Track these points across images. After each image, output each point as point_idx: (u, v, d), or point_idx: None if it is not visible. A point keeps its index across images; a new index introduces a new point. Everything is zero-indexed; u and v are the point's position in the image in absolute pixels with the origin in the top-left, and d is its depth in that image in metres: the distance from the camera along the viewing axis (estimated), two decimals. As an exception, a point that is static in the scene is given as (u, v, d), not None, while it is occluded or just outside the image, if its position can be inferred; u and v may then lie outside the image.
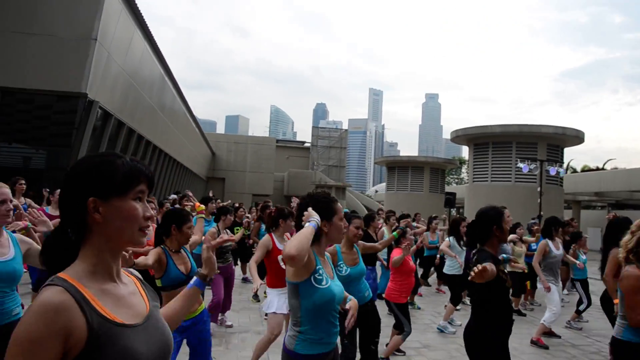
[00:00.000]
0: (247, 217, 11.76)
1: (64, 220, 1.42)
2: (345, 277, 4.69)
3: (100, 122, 13.96)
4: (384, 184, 46.35)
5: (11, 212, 3.33)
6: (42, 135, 13.54)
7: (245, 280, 12.03)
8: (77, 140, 12.66)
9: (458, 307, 8.64)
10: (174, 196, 12.75)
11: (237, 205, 12.95)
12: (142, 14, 14.56)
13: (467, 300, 10.11)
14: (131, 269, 1.62)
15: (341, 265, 4.78)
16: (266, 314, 8.26)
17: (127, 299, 1.43)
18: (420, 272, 11.56)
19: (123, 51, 14.21)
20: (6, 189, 3.35)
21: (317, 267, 2.76)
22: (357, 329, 4.90)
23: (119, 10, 13.06)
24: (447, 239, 9.18)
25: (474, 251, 3.79)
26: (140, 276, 1.63)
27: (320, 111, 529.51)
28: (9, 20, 11.83)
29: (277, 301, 5.46)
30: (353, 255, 4.97)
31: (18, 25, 11.85)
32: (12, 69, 12.04)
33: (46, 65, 12.05)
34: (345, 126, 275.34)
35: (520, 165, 20.27)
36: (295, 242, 2.51)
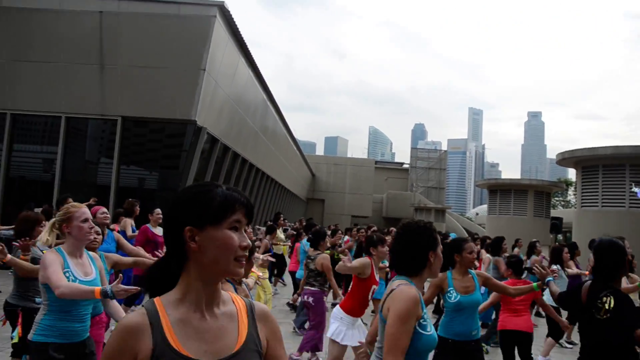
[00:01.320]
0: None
1: (167, 248, 1.47)
2: (454, 305, 4.35)
3: (208, 147, 14.78)
4: (484, 206, 44.97)
5: (93, 231, 3.58)
6: (155, 158, 14.57)
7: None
8: (186, 163, 13.46)
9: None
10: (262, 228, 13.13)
11: (332, 227, 13.11)
12: (246, 43, 15.31)
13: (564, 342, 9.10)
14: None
15: (451, 292, 4.40)
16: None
17: (209, 332, 1.41)
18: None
19: (229, 79, 15.01)
20: (86, 209, 3.55)
21: (424, 312, 2.58)
22: None
23: (225, 40, 13.84)
24: (553, 266, 8.67)
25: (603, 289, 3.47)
26: (261, 307, 1.59)
27: (418, 131, 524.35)
28: (127, 55, 12.92)
29: (349, 332, 5.15)
30: (467, 282, 4.49)
31: (136, 60, 12.91)
32: (131, 100, 13.11)
33: (160, 95, 12.99)
34: (444, 146, 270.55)
35: (635, 189, 18.91)
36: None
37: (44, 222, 4.84)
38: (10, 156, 13.96)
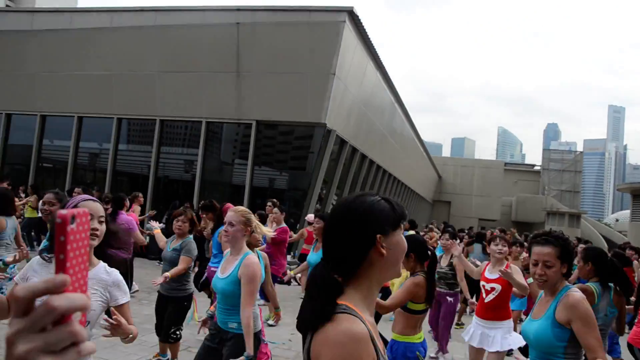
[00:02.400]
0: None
1: (335, 253, 1.50)
2: None
3: (337, 148, 15.10)
4: (626, 212, 41.43)
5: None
6: (286, 160, 15.19)
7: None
8: (316, 165, 13.86)
9: None
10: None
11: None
12: (375, 46, 15.44)
13: None
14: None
15: None
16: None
17: (375, 329, 1.47)
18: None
19: (357, 82, 15.23)
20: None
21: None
22: None
23: (354, 45, 14.07)
24: None
25: None
26: None
27: (551, 132, 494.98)
28: (262, 62, 13.58)
29: (499, 337, 4.96)
30: None
31: (270, 66, 13.54)
32: (265, 105, 13.77)
33: (292, 99, 13.51)
34: (579, 147, 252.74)
35: None
36: None
37: (181, 216, 5.52)
38: (158, 158, 15.24)
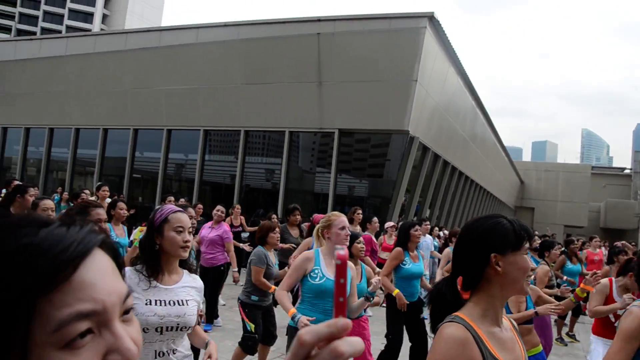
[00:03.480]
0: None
1: (457, 270, 1.68)
2: None
3: (419, 155, 14.95)
4: None
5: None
6: (368, 167, 15.21)
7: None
8: (399, 172, 13.78)
9: None
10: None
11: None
12: (455, 51, 15.21)
13: None
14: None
15: None
16: None
17: (507, 343, 1.60)
18: None
19: (439, 88, 15.04)
20: (343, 217, 3.89)
21: None
22: None
23: (435, 50, 13.92)
24: None
25: None
26: (515, 324, 1.80)
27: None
28: (343, 71, 13.69)
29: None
30: None
31: (351, 75, 13.62)
32: (347, 113, 13.86)
33: (373, 107, 13.52)
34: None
35: None
36: None
37: (277, 228, 5.50)
38: (243, 168, 15.67)
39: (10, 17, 77.31)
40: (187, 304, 2.45)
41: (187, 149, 17.17)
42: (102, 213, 3.64)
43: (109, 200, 8.07)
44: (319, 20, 14.10)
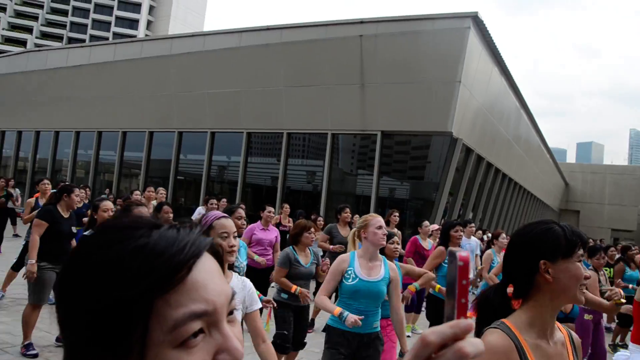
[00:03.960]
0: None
1: (508, 277, 1.64)
2: None
3: (462, 157, 14.79)
4: None
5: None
6: (411, 169, 15.15)
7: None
8: (443, 174, 13.67)
9: None
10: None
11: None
12: (499, 51, 15.00)
13: None
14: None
15: None
16: None
17: (554, 358, 1.53)
18: None
19: (482, 89, 14.86)
20: (380, 218, 3.88)
21: None
22: None
23: (479, 50, 13.76)
24: None
25: None
26: (574, 337, 1.70)
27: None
28: (385, 73, 13.67)
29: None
30: None
31: (394, 77, 13.59)
32: (389, 115, 13.83)
33: (416, 109, 13.46)
34: None
35: None
36: None
37: (312, 228, 5.52)
38: (286, 170, 15.81)
39: (62, 26, 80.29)
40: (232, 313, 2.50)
41: (230, 151, 17.43)
42: (144, 212, 3.75)
43: (154, 203, 8.32)
44: (361, 22, 14.14)
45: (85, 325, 0.59)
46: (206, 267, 0.65)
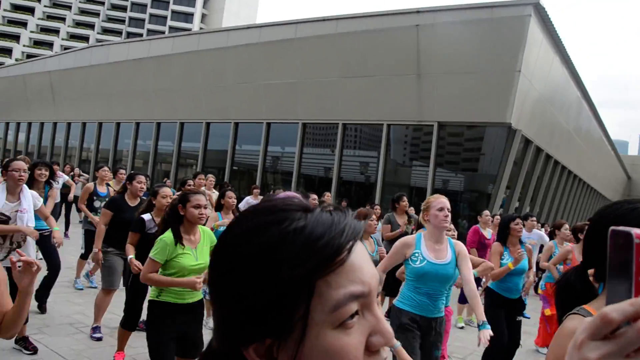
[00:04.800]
0: None
1: (589, 260, 1.54)
2: None
3: (521, 148, 14.46)
4: None
5: (446, 218, 3.76)
6: (465, 160, 14.94)
7: None
8: (500, 165, 13.41)
9: None
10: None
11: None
12: (561, 39, 14.55)
13: None
14: None
15: None
16: None
17: None
18: None
19: (542, 78, 14.46)
20: (443, 199, 3.80)
21: None
22: None
23: (539, 39, 13.38)
24: None
25: None
26: None
27: None
28: (442, 63, 13.49)
29: None
30: None
31: (451, 67, 13.38)
32: (446, 106, 13.65)
33: (474, 99, 13.21)
34: None
35: None
36: None
37: (373, 215, 5.53)
38: (341, 160, 15.86)
39: (121, 21, 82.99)
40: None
41: (285, 141, 17.61)
42: (201, 199, 3.86)
43: (203, 189, 8.49)
44: (417, 11, 13.97)
45: (247, 305, 0.62)
46: (360, 249, 0.66)
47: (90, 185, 7.98)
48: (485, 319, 3.64)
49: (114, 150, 23.52)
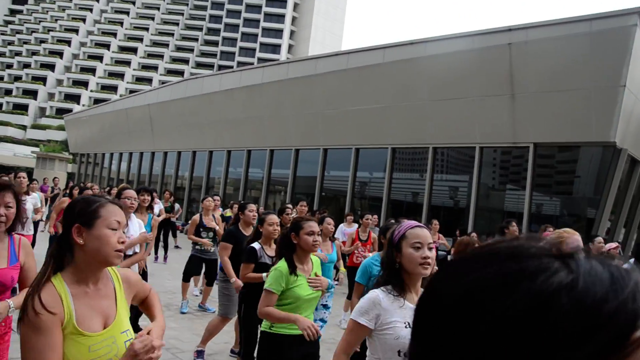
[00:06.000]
0: None
1: None
2: None
3: (627, 169, 13.47)
4: None
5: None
6: (569, 183, 14.11)
7: None
8: (605, 188, 12.53)
9: None
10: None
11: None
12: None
13: None
14: None
15: None
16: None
17: None
18: None
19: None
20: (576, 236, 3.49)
21: None
22: None
23: (646, 52, 12.52)
24: None
25: None
26: None
27: None
28: (537, 81, 12.90)
29: None
30: None
31: (547, 85, 12.78)
32: (542, 126, 13.01)
33: (573, 118, 12.51)
34: None
35: None
36: None
37: (476, 244, 5.21)
38: (432, 185, 15.47)
39: (213, 55, 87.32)
40: None
41: (374, 167, 17.48)
42: (315, 226, 3.77)
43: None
44: (509, 29, 13.51)
45: None
46: None
47: (197, 217, 8.37)
48: None
49: (207, 178, 24.35)
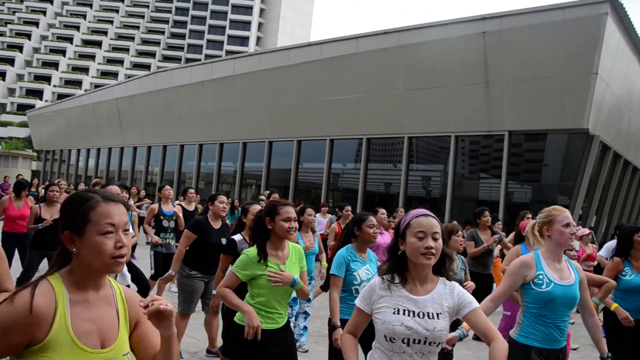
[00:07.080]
0: None
1: None
2: None
3: (599, 156, 13.65)
4: None
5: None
6: (541, 171, 14.25)
7: None
8: (578, 175, 12.68)
9: None
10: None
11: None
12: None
13: None
14: None
15: None
16: None
17: None
18: None
19: (620, 80, 13.72)
20: (568, 212, 3.39)
21: None
22: None
23: (617, 38, 12.69)
24: None
25: None
26: None
27: None
28: (511, 70, 12.96)
29: None
30: None
31: (521, 73, 12.86)
32: (517, 114, 13.11)
33: (547, 106, 12.62)
34: None
35: None
36: None
37: (459, 231, 5.14)
38: (407, 175, 15.45)
39: (180, 48, 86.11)
40: (437, 318, 2.31)
41: (348, 158, 17.39)
42: (291, 212, 3.60)
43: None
44: (483, 18, 13.53)
45: None
46: None
47: (155, 206, 8.02)
48: (607, 350, 3.28)
49: (179, 172, 23.95)
